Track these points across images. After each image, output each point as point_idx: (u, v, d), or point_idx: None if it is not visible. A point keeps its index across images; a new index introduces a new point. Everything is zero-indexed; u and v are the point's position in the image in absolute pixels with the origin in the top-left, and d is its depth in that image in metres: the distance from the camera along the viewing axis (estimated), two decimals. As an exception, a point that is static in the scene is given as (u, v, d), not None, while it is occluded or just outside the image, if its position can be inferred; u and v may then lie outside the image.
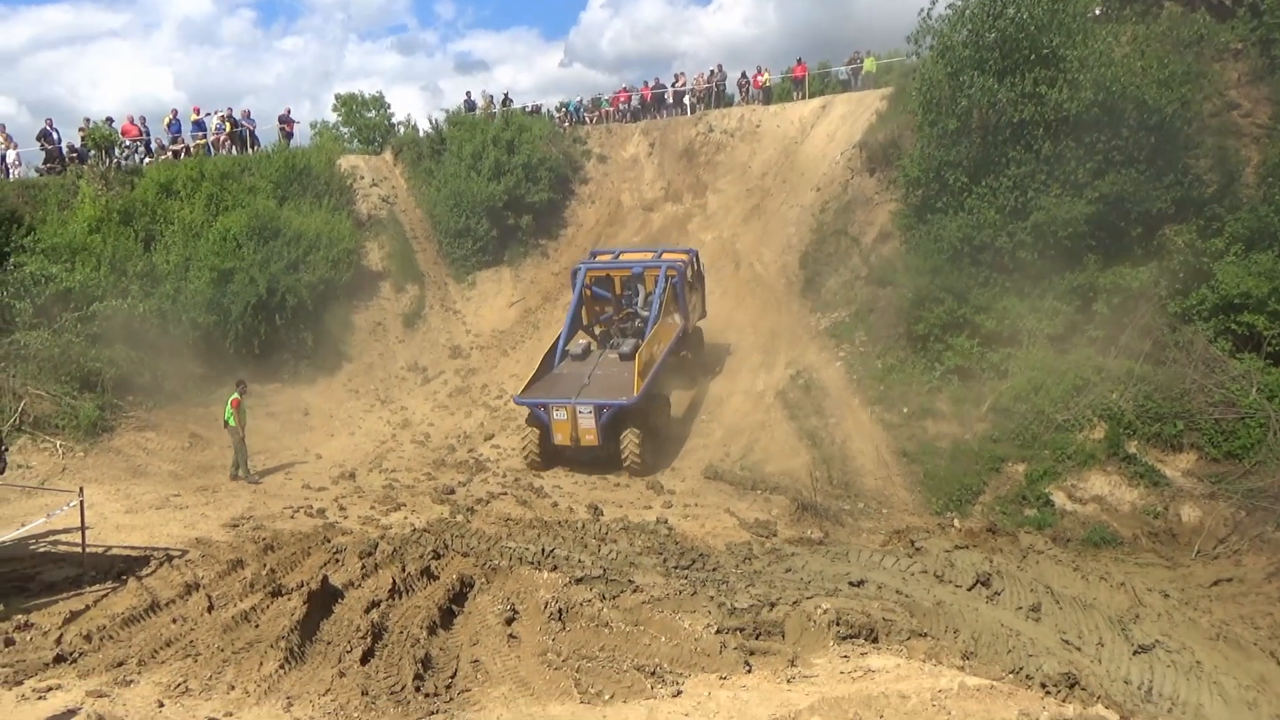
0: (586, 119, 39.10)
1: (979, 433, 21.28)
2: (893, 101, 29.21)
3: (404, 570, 12.81)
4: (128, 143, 31.36)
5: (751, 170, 32.76)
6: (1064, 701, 9.32)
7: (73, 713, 8.33)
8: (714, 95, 37.98)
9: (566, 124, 38.51)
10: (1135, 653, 12.74)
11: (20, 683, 9.14)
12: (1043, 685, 10.40)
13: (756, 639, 10.95)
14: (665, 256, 24.74)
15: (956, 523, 18.85)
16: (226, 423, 19.91)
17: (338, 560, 13.64)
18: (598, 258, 25.62)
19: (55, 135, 30.22)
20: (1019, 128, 22.44)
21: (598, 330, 24.10)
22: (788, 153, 32.42)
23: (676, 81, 38.93)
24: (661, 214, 32.90)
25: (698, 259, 25.83)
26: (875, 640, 11.08)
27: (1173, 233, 21.93)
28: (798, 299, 26.81)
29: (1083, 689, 10.24)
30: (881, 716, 7.85)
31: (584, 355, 22.13)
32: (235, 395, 20.02)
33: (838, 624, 11.15)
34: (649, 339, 21.42)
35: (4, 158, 29.21)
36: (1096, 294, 21.80)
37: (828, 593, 13.07)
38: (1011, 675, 10.49)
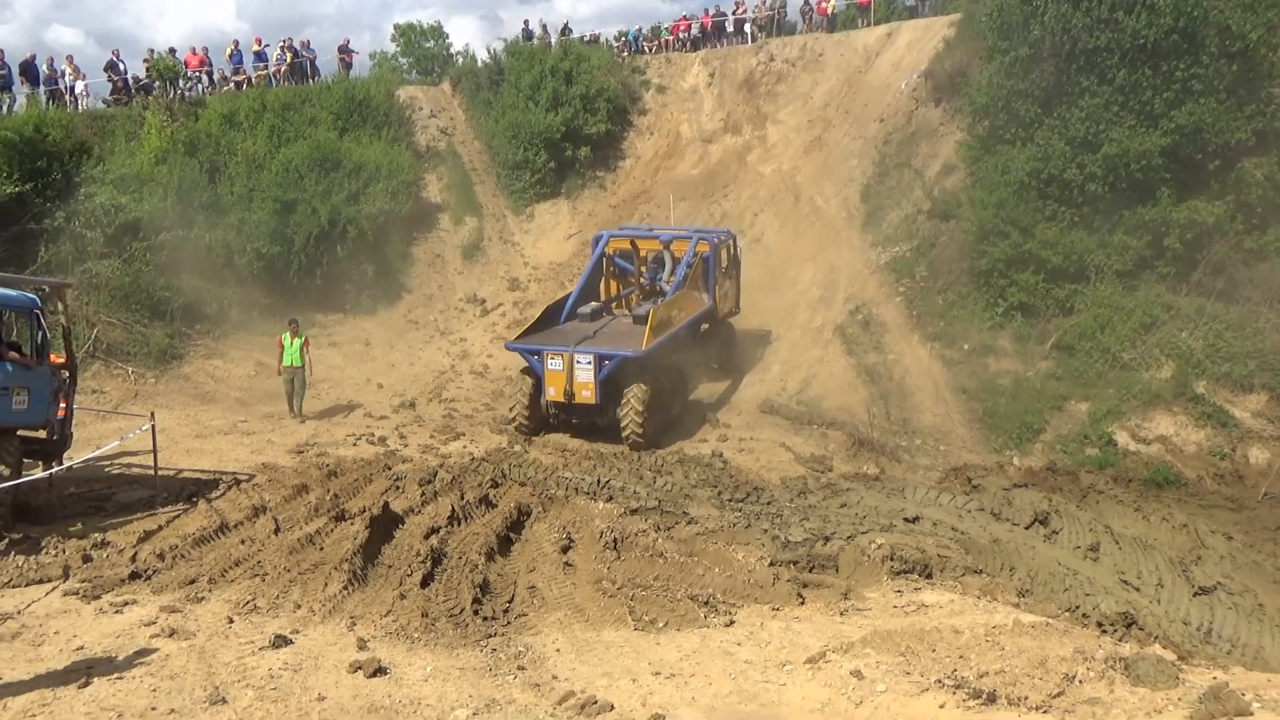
0: (645, 48, 38.46)
1: (1041, 370, 20.98)
2: (961, 28, 28.25)
3: (463, 498, 13.06)
4: (191, 74, 31.63)
5: (813, 101, 32.07)
6: (1120, 640, 9.28)
7: (148, 625, 8.69)
8: (776, 23, 37.06)
9: (625, 54, 37.92)
10: (1195, 594, 12.58)
11: (98, 597, 9.55)
12: (1099, 624, 10.37)
13: (810, 572, 11.02)
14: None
15: (1015, 461, 18.69)
16: (291, 365, 19.03)
17: (398, 487, 13.96)
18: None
19: (122, 66, 30.58)
20: (1093, 55, 21.58)
21: (614, 309, 21.45)
22: (851, 82, 31.64)
23: (737, 9, 38.00)
24: (720, 146, 32.42)
25: (735, 243, 23.28)
26: (929, 576, 11.10)
27: (1252, 165, 21.06)
28: (858, 233, 26.38)
29: (1140, 629, 10.19)
30: (934, 650, 7.88)
31: (594, 317, 19.94)
32: (303, 336, 19.40)
33: (891, 559, 11.18)
34: (668, 301, 19.23)
35: (73, 89, 29.62)
36: (1169, 229, 21.11)
37: (882, 528, 13.07)
38: (1067, 614, 10.46)
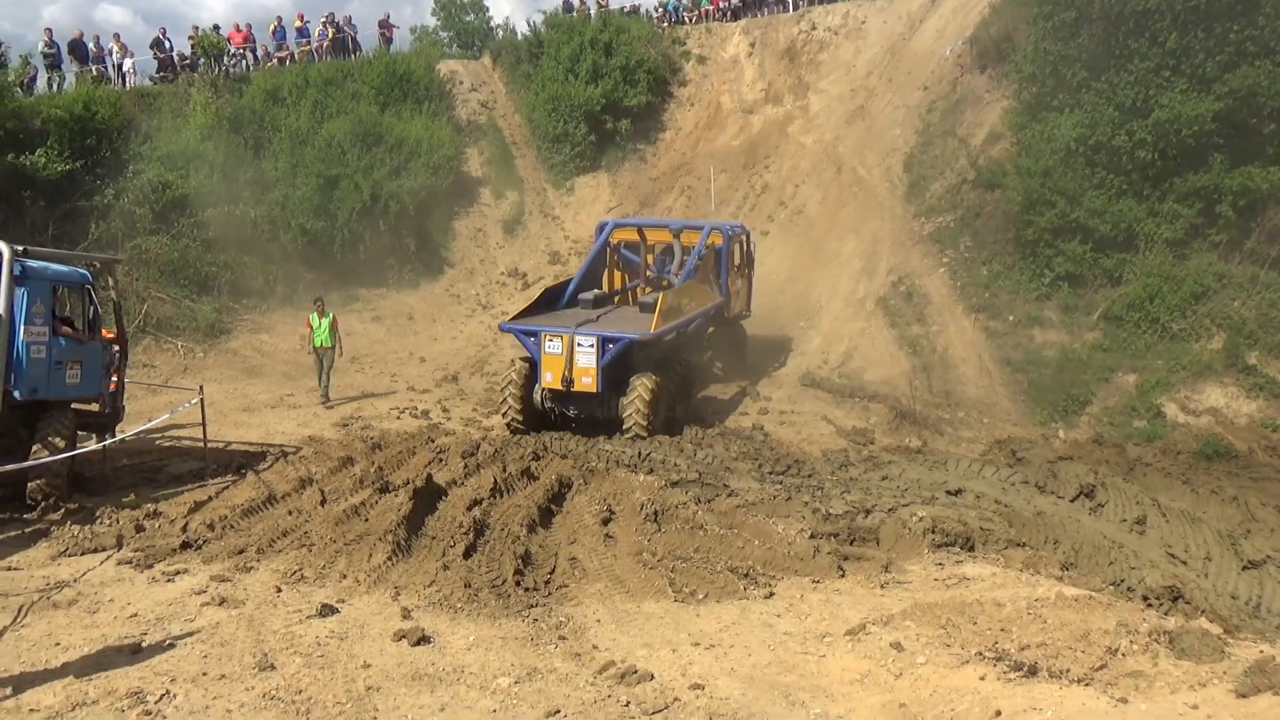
0: (685, 18, 38.13)
1: (1088, 342, 20.69)
2: (1008, -8, 27.70)
3: (505, 470, 13.17)
4: (235, 50, 31.90)
5: (856, 69, 31.64)
6: (1166, 614, 9.17)
7: (199, 594, 8.89)
8: (818, -10, 36.54)
9: (665, 24, 37.62)
10: (1245, 568, 12.37)
11: (151, 566, 9.78)
12: (1144, 598, 10.25)
13: (850, 545, 11.01)
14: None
15: (1061, 433, 18.49)
16: (322, 345, 18.50)
17: (441, 460, 14.10)
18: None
19: (168, 44, 30.92)
20: (1143, 18, 21.05)
21: (616, 301, 19.76)
22: (894, 50, 31.17)
23: (779, -24, 37.54)
24: (761, 116, 32.14)
25: (749, 239, 21.93)
26: (971, 549, 11.03)
27: (1310, 129, 20.51)
28: (901, 204, 26.08)
29: (1186, 602, 10.05)
30: (975, 623, 7.85)
31: (597, 304, 18.38)
32: (330, 315, 18.83)
33: (933, 532, 11.12)
34: (677, 289, 17.73)
35: (121, 66, 30.01)
36: (1221, 196, 20.64)
37: (924, 501, 13.00)
38: (1112, 587, 10.35)
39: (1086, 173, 21.67)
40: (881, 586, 9.48)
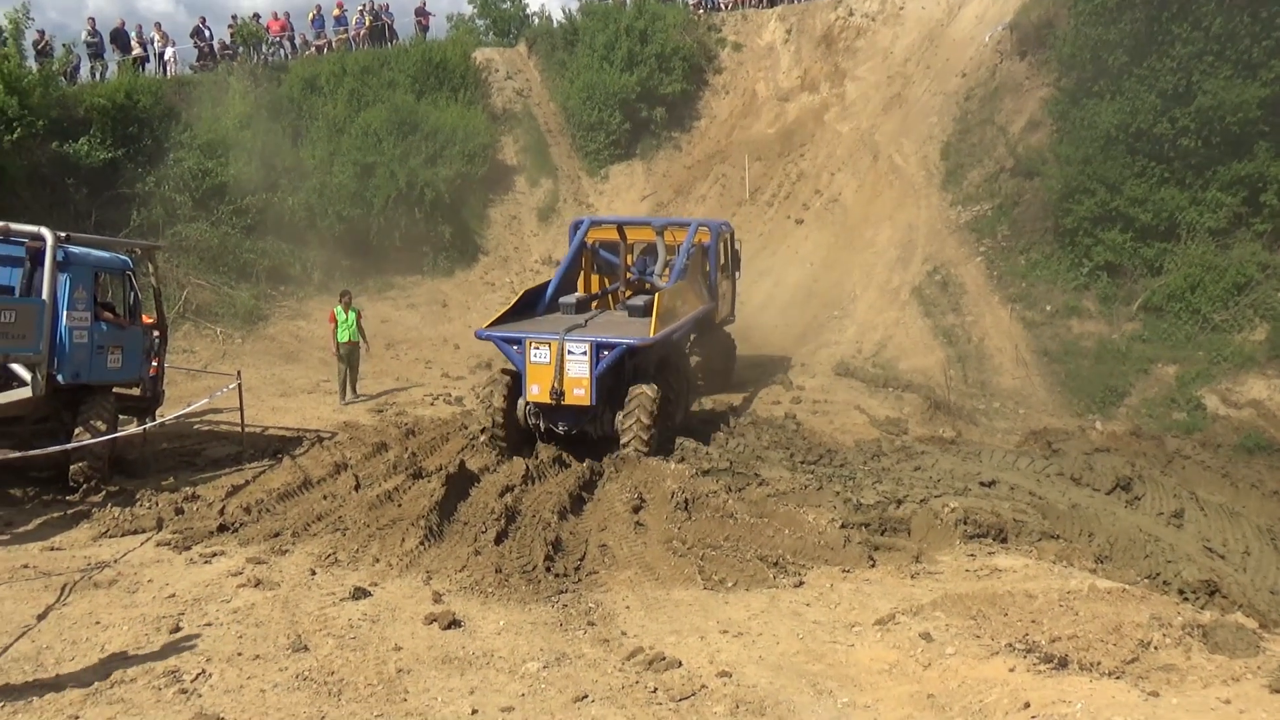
0: (721, 5, 37.89)
1: (1127, 332, 20.43)
2: (1049, -24, 27.29)
3: (536, 457, 13.25)
4: (273, 39, 32.20)
5: (893, 56, 31.32)
6: (1202, 609, 9.07)
7: (235, 576, 9.05)
8: (856, -24, 36.21)
9: (701, 11, 37.43)
10: (1284, 563, 12.24)
11: (189, 548, 9.97)
12: (1180, 592, 10.15)
13: (881, 535, 10.97)
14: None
15: (1098, 425, 18.26)
16: (349, 341, 17.82)
17: (474, 446, 14.21)
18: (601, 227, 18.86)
19: (208, 33, 31.26)
20: (1186, 2, 20.63)
21: (594, 306, 17.49)
22: (932, 36, 30.82)
23: (816, -38, 37.21)
24: (797, 104, 31.92)
25: (734, 237, 19.94)
26: (1004, 540, 10.97)
27: (1358, 118, 20.05)
28: (937, 192, 25.83)
29: (1223, 597, 9.95)
30: (1006, 615, 7.81)
31: (580, 308, 16.36)
32: (356, 310, 18.19)
33: (965, 523, 11.06)
34: (671, 290, 15.77)
35: (162, 55, 30.39)
36: (1266, 184, 20.20)
37: (957, 492, 12.92)
38: (1147, 580, 10.25)
39: (1127, 160, 21.32)
40: (912, 577, 9.44)
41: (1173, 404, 18.63)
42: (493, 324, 14.78)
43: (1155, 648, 6.85)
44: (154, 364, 14.03)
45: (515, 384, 14.06)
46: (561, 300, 16.29)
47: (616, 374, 14.03)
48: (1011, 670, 6.74)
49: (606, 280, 18.38)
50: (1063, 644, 7.06)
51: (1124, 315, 20.78)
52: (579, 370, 13.55)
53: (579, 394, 13.57)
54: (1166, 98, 20.75)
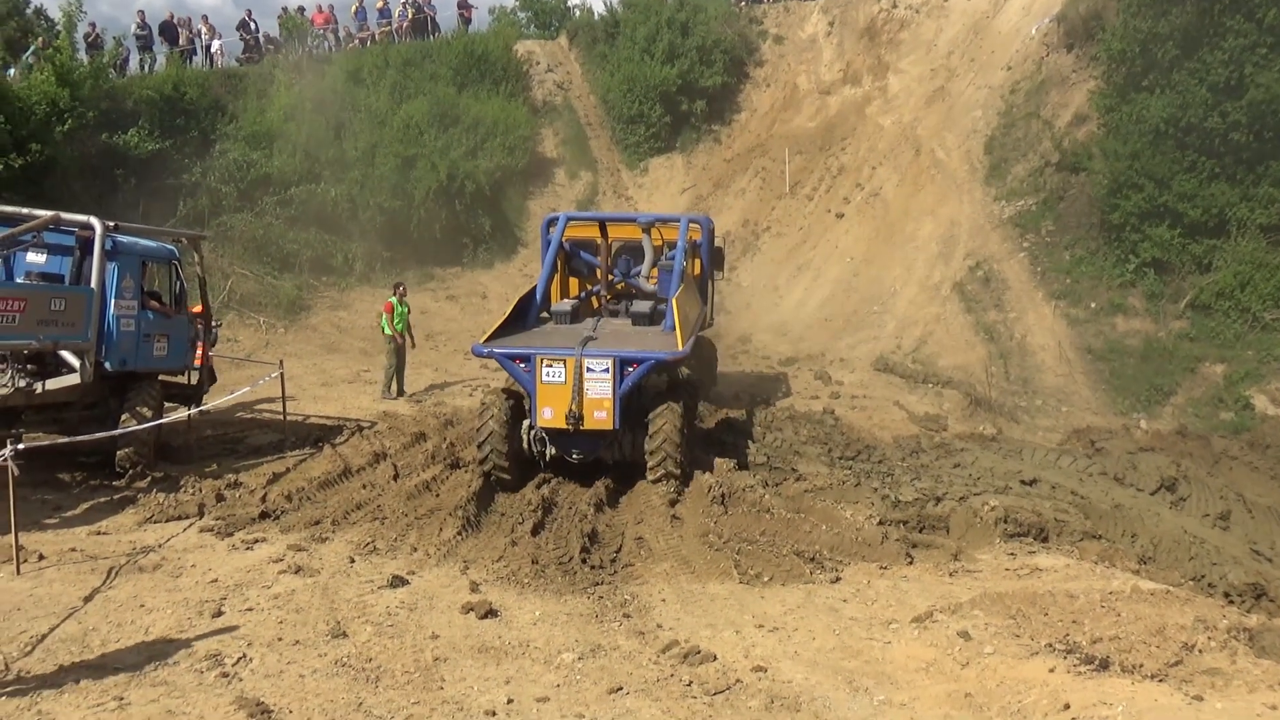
0: (763, -3, 37.74)
1: (1174, 330, 20.10)
2: (1098, -32, 26.83)
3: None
4: (318, 31, 32.49)
5: (937, 49, 30.95)
6: (1247, 611, 8.92)
7: (276, 562, 9.16)
8: (900, -32, 35.84)
9: (742, 3, 37.27)
10: (1334, 567, 11.98)
11: (231, 534, 10.12)
12: (1226, 594, 9.99)
13: (920, 532, 10.90)
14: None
15: (1143, 424, 18.00)
16: (402, 333, 17.68)
17: (512, 437, 14.22)
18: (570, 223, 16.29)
19: (254, 25, 31.62)
20: (1240, -8, 20.27)
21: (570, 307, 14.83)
22: (977, 29, 30.42)
23: (860, -46, 36.85)
24: (839, 98, 31.65)
25: (712, 234, 17.24)
26: (1045, 540, 10.86)
27: None
28: (980, 186, 25.51)
29: (1270, 600, 9.78)
30: (1046, 614, 7.72)
31: (575, 317, 14.34)
32: (407, 304, 17.99)
33: (1005, 521, 10.97)
34: (679, 294, 13.61)
35: (209, 48, 30.80)
36: (1320, 180, 19.80)
37: (997, 490, 12.79)
38: (1191, 582, 10.11)
39: (1177, 155, 20.94)
40: (950, 575, 9.37)
41: (1220, 403, 18.33)
42: (490, 337, 12.69)
43: (1200, 651, 6.75)
44: (199, 353, 14.22)
45: (515, 406, 12.18)
46: (554, 309, 14.56)
47: (642, 390, 12.43)
48: (1051, 671, 6.66)
49: (585, 284, 16.27)
50: (1104, 645, 6.97)
51: (1171, 313, 20.44)
52: (600, 390, 11.67)
53: (600, 417, 11.67)
54: (1218, 91, 20.37)
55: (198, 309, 14.26)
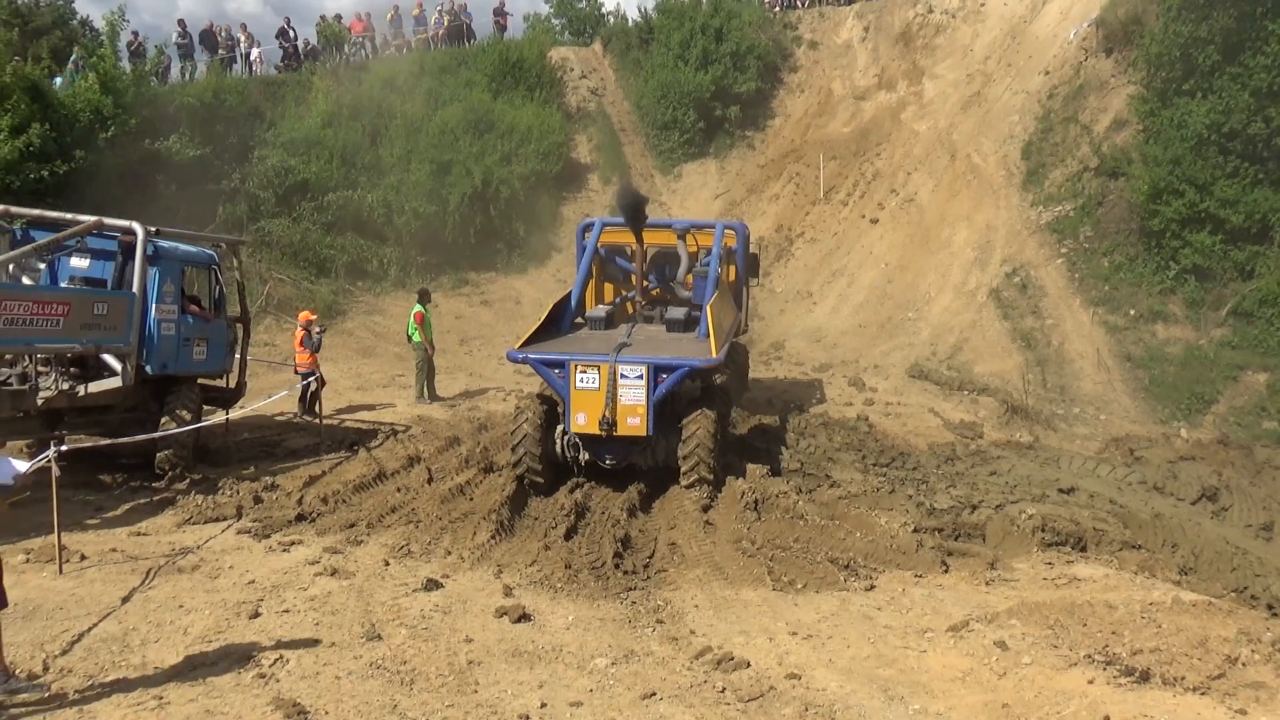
0: (798, 3, 37.62)
1: (1216, 338, 19.79)
2: (1138, -29, 26.51)
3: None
4: (355, 39, 32.83)
5: (973, 54, 30.73)
6: (1292, 625, 8.74)
7: (312, 564, 9.24)
8: (936, -27, 35.63)
9: (777, 9, 37.21)
10: (1382, 580, 11.72)
11: (268, 536, 10.23)
12: (1269, 606, 9.82)
13: (955, 540, 10.80)
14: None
15: (1184, 433, 17.73)
16: (423, 339, 17.70)
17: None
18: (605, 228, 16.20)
19: (292, 33, 32.01)
20: (1283, -2, 19.94)
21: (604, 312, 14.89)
22: (1014, 33, 30.17)
23: (895, -41, 36.68)
24: (874, 103, 31.51)
25: (748, 240, 17.33)
26: (1083, 549, 10.73)
27: None
28: (1017, 192, 25.27)
29: (1315, 614, 9.57)
30: (1085, 625, 7.62)
31: (609, 324, 14.40)
32: (419, 308, 18.03)
33: (1043, 530, 10.85)
34: (713, 301, 13.53)
35: (248, 55, 31.20)
36: (1366, 187, 19.43)
37: (1034, 498, 12.66)
38: (1234, 594, 9.94)
39: (1219, 161, 20.63)
40: (986, 584, 9.27)
41: (1263, 412, 18.01)
42: (525, 343, 12.73)
43: (1243, 664, 6.63)
44: (237, 357, 14.40)
45: (549, 411, 12.33)
46: (589, 314, 14.65)
47: (677, 397, 12.43)
48: (1090, 682, 6.58)
49: (620, 290, 16.24)
50: (1144, 657, 6.86)
51: (1212, 320, 20.13)
52: (634, 396, 11.75)
53: (633, 423, 11.75)
54: (1261, 96, 20.06)
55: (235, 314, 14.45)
